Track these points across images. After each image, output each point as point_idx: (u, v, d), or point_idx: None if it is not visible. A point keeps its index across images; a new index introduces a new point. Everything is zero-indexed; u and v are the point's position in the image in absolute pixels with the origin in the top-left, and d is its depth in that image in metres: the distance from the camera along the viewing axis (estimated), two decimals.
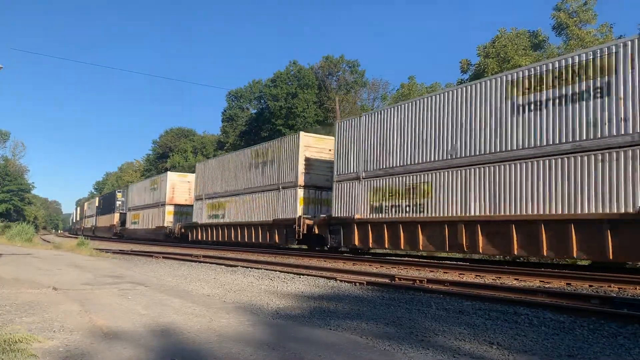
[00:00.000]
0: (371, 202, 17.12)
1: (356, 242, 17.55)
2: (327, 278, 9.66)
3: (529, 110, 12.62)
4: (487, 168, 13.40)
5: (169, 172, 39.12)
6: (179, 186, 35.85)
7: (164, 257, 16.81)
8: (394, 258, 16.18)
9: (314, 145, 22.29)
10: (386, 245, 16.41)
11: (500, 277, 10.32)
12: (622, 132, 10.80)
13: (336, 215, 18.59)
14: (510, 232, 12.62)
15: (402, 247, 15.85)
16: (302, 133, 22.74)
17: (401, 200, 15.92)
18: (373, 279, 9.51)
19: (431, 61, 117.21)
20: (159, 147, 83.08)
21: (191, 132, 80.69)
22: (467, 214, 13.75)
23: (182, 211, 34.75)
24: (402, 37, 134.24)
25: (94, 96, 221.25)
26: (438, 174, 14.80)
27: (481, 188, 13.51)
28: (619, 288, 8.51)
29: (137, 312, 5.72)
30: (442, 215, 14.45)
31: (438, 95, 15.35)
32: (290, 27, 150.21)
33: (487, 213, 13.25)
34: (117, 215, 47.92)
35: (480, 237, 13.39)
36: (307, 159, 21.93)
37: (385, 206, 16.55)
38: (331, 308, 6.39)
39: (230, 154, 30.80)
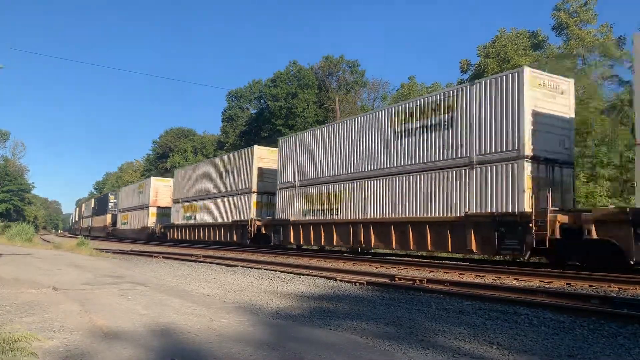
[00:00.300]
0: (303, 207, 21.01)
1: (292, 240, 21.28)
2: (327, 278, 9.66)
3: (404, 136, 16.45)
4: (377, 181, 17.31)
5: (152, 178, 42.98)
6: (162, 190, 39.75)
7: (164, 257, 16.81)
8: (394, 258, 16.19)
9: (267, 157, 25.88)
10: (312, 242, 20.28)
11: (500, 277, 10.32)
12: (460, 156, 14.45)
13: (278, 217, 22.51)
14: (390, 231, 16.44)
15: (322, 243, 19.77)
16: (256, 147, 26.62)
17: (323, 205, 19.94)
18: (373, 279, 9.51)
19: (431, 61, 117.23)
20: (159, 147, 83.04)
21: (191, 132, 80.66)
22: (365, 217, 17.66)
23: (164, 213, 38.08)
24: (402, 37, 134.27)
25: (94, 96, 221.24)
26: (346, 184, 18.82)
27: (374, 197, 17.38)
28: (619, 288, 8.51)
29: (137, 312, 5.72)
30: (348, 218, 18.47)
31: (347, 121, 19.70)
32: (290, 27, 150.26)
33: (378, 216, 17.08)
34: (109, 216, 51.43)
35: (373, 235, 17.24)
36: (259, 169, 25.64)
37: (312, 210, 20.51)
38: (331, 308, 6.39)
39: (202, 162, 35.16)
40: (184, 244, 29.66)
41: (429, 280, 9.09)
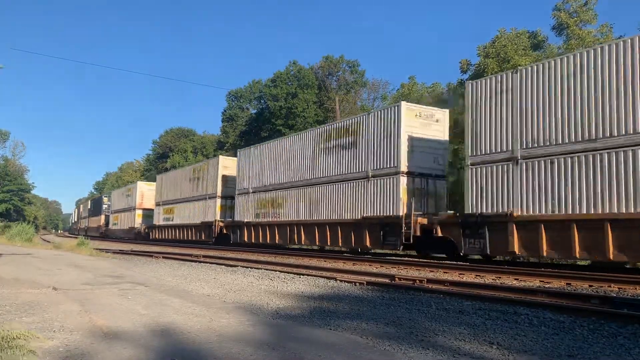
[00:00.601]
0: (255, 210, 24.86)
1: (245, 239, 25.08)
2: (327, 278, 9.66)
3: (325, 153, 20.28)
4: (306, 189, 21.19)
5: (139, 182, 48.03)
6: (147, 193, 43.17)
7: (163, 257, 16.81)
8: (393, 258, 16.19)
9: (231, 166, 28.83)
10: (260, 240, 23.84)
11: (500, 277, 10.33)
12: (360, 170, 18.34)
13: (236, 219, 26.26)
14: (314, 230, 20.30)
15: (268, 241, 23.30)
16: (221, 157, 31.01)
17: (269, 208, 23.68)
18: (373, 279, 9.51)
19: (431, 61, 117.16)
20: (159, 147, 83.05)
21: (191, 132, 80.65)
22: (297, 219, 21.45)
23: (149, 214, 41.43)
24: (402, 37, 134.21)
25: (94, 96, 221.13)
26: (285, 192, 22.62)
27: (304, 202, 21.17)
28: (619, 288, 8.52)
29: (137, 312, 5.72)
30: (287, 219, 22.12)
31: (289, 137, 23.72)
32: (290, 27, 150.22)
33: (306, 218, 20.90)
34: (103, 217, 55.26)
35: (303, 234, 20.99)
36: (224, 176, 29.18)
37: (262, 213, 24.23)
38: (331, 308, 6.39)
39: (179, 169, 39.48)
40: (165, 242, 33.43)
41: (429, 280, 9.09)
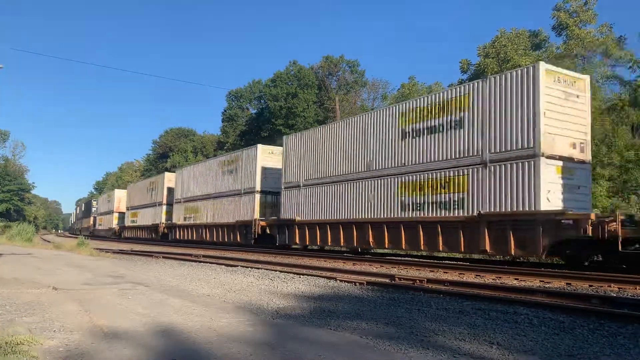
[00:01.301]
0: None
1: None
2: (327, 278, 9.66)
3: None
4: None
5: (116, 190, 56.76)
6: (123, 199, 49.61)
7: (164, 257, 16.81)
8: (394, 258, 16.20)
9: (172, 180, 35.98)
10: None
11: (500, 277, 10.32)
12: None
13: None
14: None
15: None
16: (167, 173, 38.60)
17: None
18: (373, 278, 9.51)
19: (431, 61, 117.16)
20: (159, 147, 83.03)
21: (191, 132, 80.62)
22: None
23: (124, 217, 48.12)
24: (402, 37, 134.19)
25: (94, 96, 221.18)
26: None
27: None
28: (619, 288, 8.51)
29: (137, 312, 5.72)
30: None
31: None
32: (290, 27, 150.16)
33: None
34: (92, 219, 62.69)
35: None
36: (169, 188, 36.56)
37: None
38: (331, 308, 6.39)
39: (140, 181, 51.22)
40: (134, 240, 38.60)
41: (429, 280, 9.09)
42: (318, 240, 20.11)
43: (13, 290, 7.30)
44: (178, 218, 33.42)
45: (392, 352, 4.09)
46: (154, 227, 37.88)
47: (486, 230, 13.34)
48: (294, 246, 22.02)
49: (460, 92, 14.79)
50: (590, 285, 8.83)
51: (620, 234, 10.60)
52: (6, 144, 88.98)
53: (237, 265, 12.67)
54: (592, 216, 11.50)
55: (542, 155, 12.37)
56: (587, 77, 14.23)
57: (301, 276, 10.08)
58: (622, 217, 11.09)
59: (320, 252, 20.80)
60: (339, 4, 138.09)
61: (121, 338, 4.37)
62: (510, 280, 9.84)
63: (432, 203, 15.09)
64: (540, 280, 9.69)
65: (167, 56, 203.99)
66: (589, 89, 13.98)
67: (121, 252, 20.28)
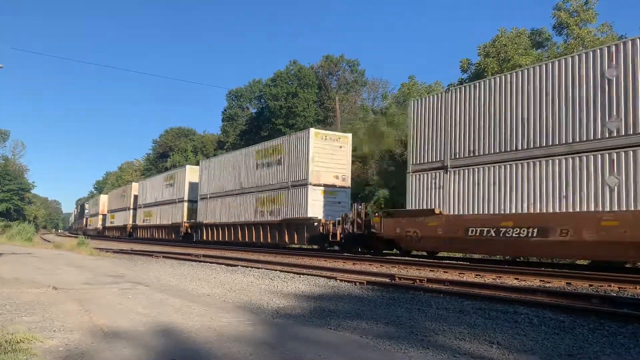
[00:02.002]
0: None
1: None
2: (327, 278, 9.66)
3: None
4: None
5: (101, 195, 65.95)
6: (106, 203, 58.78)
7: (164, 257, 16.81)
8: (394, 258, 16.20)
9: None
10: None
11: (500, 277, 10.32)
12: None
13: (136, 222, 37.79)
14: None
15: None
16: (135, 183, 44.57)
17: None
18: (373, 278, 9.51)
19: (431, 61, 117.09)
20: (159, 146, 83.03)
21: (191, 131, 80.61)
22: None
23: (106, 218, 57.75)
24: (402, 37, 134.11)
25: (94, 96, 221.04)
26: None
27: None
28: (619, 288, 8.52)
29: (137, 312, 5.72)
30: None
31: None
32: (290, 27, 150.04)
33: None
34: (84, 220, 70.99)
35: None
36: (134, 197, 45.01)
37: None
38: (331, 308, 6.39)
39: (116, 189, 59.49)
40: (117, 239, 45.30)
41: (429, 280, 9.09)
42: (219, 236, 28.00)
43: (13, 290, 7.30)
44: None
45: (392, 352, 4.09)
46: (122, 228, 48.45)
47: (286, 229, 22.50)
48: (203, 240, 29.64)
49: (280, 142, 24.16)
50: (590, 285, 8.83)
51: (331, 230, 19.45)
52: (6, 143, 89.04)
53: (237, 265, 12.67)
54: (323, 220, 20.26)
55: (310, 184, 21.12)
56: (349, 135, 23.08)
57: (301, 276, 10.08)
58: (338, 219, 19.39)
59: (321, 252, 20.81)
60: (339, 4, 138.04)
61: (121, 338, 4.37)
62: (510, 280, 9.83)
63: (267, 212, 23.83)
64: (540, 280, 9.69)
65: (167, 56, 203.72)
66: (350, 142, 22.60)
67: (121, 251, 20.28)
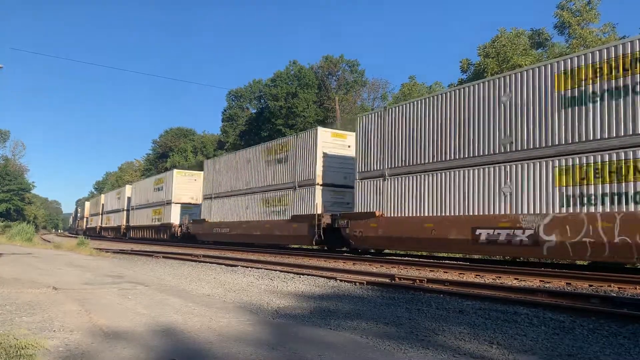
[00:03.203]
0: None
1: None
2: (327, 278, 9.66)
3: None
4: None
5: (86, 202, 75.81)
6: (89, 209, 68.61)
7: (164, 257, 16.80)
8: (394, 258, 16.20)
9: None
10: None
11: (500, 277, 10.32)
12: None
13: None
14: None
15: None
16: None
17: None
18: (373, 278, 9.51)
19: (431, 61, 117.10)
20: (159, 146, 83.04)
21: (191, 131, 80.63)
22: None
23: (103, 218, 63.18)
24: (402, 37, 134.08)
25: (94, 96, 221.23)
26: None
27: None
28: (619, 288, 8.52)
29: (137, 312, 5.72)
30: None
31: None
32: (290, 27, 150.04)
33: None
34: (85, 219, 75.00)
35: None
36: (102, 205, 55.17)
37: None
38: (331, 308, 6.39)
39: (100, 195, 65.37)
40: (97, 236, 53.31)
41: (429, 280, 9.09)
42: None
43: (13, 290, 7.30)
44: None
45: (393, 352, 4.09)
46: (108, 229, 54.62)
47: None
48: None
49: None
50: (590, 285, 8.83)
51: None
52: (6, 144, 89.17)
53: (237, 265, 12.67)
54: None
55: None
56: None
57: (301, 276, 10.08)
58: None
59: (321, 252, 20.82)
60: (338, 3, 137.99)
61: (121, 338, 4.37)
62: (510, 280, 9.84)
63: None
64: (540, 280, 9.69)
65: (167, 56, 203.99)
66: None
67: (121, 251, 20.28)
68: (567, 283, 9.16)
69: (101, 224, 57.82)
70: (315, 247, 21.39)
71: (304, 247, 23.30)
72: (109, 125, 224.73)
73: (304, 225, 20.48)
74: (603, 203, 10.88)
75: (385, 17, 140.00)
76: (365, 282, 8.87)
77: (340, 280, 9.25)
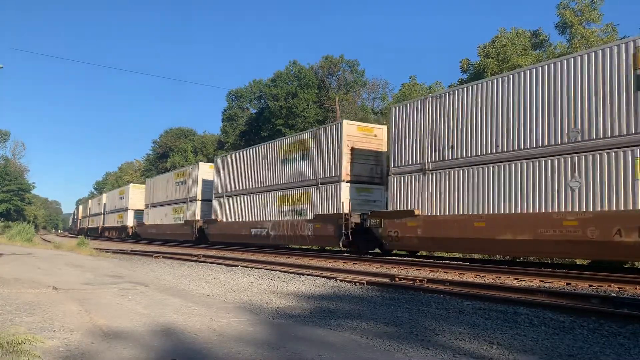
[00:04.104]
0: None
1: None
2: (327, 278, 9.66)
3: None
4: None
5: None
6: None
7: (163, 257, 16.81)
8: (394, 258, 16.20)
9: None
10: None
11: (500, 277, 10.32)
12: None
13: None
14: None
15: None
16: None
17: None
18: (373, 278, 9.51)
19: (431, 61, 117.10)
20: (159, 146, 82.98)
21: (191, 131, 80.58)
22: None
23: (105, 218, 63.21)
24: (402, 37, 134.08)
25: (94, 96, 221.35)
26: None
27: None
28: (619, 288, 8.51)
29: (137, 312, 5.72)
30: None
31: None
32: (290, 27, 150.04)
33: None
34: (87, 219, 77.21)
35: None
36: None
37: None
38: (331, 308, 6.39)
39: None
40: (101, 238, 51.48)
41: (429, 280, 9.09)
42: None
43: (13, 290, 7.30)
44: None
45: (393, 352, 4.10)
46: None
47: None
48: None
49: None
50: (590, 285, 8.83)
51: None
52: (6, 144, 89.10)
53: (237, 265, 12.67)
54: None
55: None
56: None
57: (301, 276, 10.08)
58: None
59: (321, 252, 20.81)
60: (338, 3, 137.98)
61: (121, 338, 4.37)
62: (510, 280, 9.83)
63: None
64: (540, 280, 9.68)
65: (167, 56, 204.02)
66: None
67: (121, 252, 20.28)
68: (567, 283, 9.16)
69: (103, 223, 57.25)
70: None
71: (304, 247, 23.03)
72: (109, 125, 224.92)
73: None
74: None
75: (386, 18, 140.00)
76: (365, 282, 8.87)
77: (341, 280, 9.25)
